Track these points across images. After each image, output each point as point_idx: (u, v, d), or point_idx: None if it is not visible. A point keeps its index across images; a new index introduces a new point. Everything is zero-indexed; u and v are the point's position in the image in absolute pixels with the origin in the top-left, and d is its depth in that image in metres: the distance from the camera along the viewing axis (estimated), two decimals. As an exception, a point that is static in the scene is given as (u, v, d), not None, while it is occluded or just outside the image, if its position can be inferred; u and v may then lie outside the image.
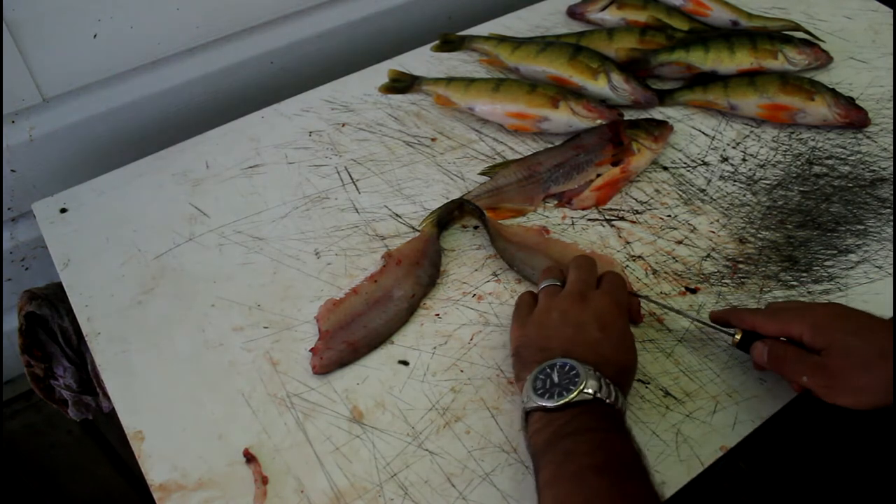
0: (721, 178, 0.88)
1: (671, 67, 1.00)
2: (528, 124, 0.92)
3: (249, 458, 0.63)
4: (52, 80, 0.89)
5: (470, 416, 0.66)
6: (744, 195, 0.86)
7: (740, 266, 0.79)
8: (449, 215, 0.81)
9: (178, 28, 0.96)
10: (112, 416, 0.69)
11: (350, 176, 0.88)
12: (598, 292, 0.65)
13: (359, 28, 1.13)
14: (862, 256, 0.79)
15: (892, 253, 0.80)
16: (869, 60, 1.04)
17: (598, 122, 0.91)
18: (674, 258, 0.79)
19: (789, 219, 0.83)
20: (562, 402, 0.56)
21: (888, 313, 0.72)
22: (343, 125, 0.95)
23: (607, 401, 0.56)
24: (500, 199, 0.84)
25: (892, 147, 0.91)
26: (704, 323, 0.70)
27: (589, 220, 0.84)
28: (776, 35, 1.01)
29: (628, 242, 0.81)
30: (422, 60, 1.04)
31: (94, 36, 0.89)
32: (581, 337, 0.61)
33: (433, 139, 0.93)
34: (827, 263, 0.79)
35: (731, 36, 1.00)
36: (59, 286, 0.79)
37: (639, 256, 0.80)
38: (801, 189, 0.87)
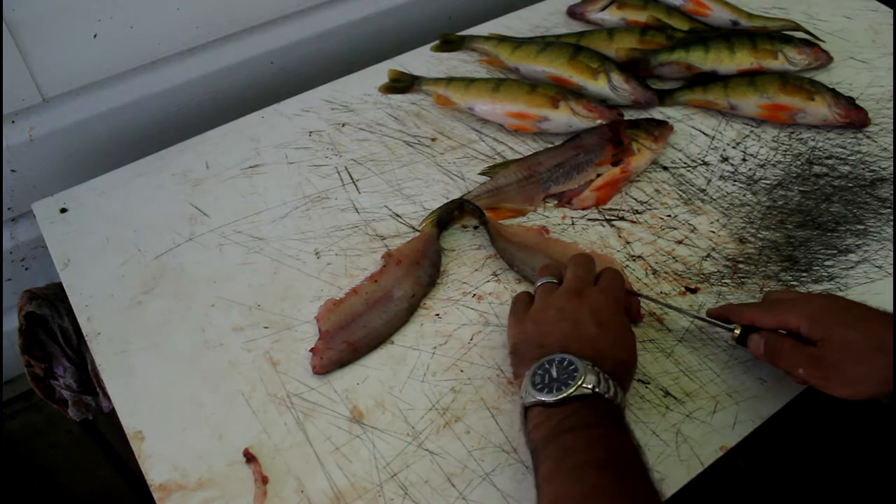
0: (721, 177, 0.88)
1: (671, 67, 1.00)
2: (528, 124, 0.92)
3: (249, 458, 0.63)
4: (52, 80, 0.89)
5: (470, 416, 0.66)
6: (744, 195, 0.86)
7: (740, 266, 0.79)
8: (449, 215, 0.81)
9: (178, 28, 0.96)
10: (112, 416, 0.69)
11: (350, 176, 0.88)
12: (595, 289, 0.65)
13: (359, 28, 1.13)
14: (862, 256, 0.79)
15: (892, 253, 0.80)
16: (869, 60, 1.04)
17: (598, 122, 0.91)
18: (674, 258, 0.79)
19: (789, 219, 0.83)
20: (561, 396, 0.56)
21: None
22: (343, 125, 0.95)
23: (606, 395, 0.57)
24: (500, 199, 0.84)
25: (892, 147, 0.91)
26: (703, 319, 0.70)
27: (589, 220, 0.84)
28: (776, 35, 1.01)
29: (628, 242, 0.81)
30: (422, 60, 1.04)
31: (94, 36, 0.89)
32: (578, 332, 0.61)
33: (433, 139, 0.93)
34: (827, 263, 0.79)
35: (731, 36, 1.00)
36: (59, 286, 0.79)
37: (639, 256, 0.80)
38: (802, 189, 0.87)
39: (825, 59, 1.01)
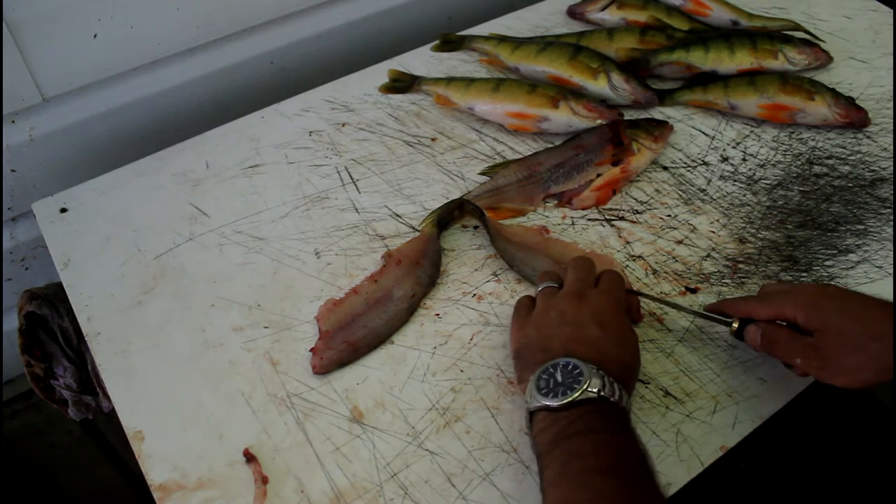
0: (721, 177, 0.88)
1: (671, 67, 1.00)
2: (528, 124, 0.92)
3: (249, 458, 0.63)
4: (52, 80, 0.89)
5: (470, 416, 0.66)
6: (744, 195, 0.86)
7: (740, 266, 0.79)
8: (449, 215, 0.81)
9: (178, 28, 0.96)
10: (112, 416, 0.69)
11: (350, 176, 0.88)
12: (596, 291, 0.65)
13: (359, 28, 1.13)
14: (862, 256, 0.79)
15: (892, 253, 0.80)
16: (869, 60, 1.04)
17: (598, 122, 0.91)
18: (674, 258, 0.79)
19: (789, 219, 0.83)
20: (566, 400, 0.56)
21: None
22: (343, 125, 0.95)
23: (611, 399, 0.56)
24: (500, 199, 0.84)
25: (892, 147, 0.91)
26: (701, 315, 0.70)
27: (589, 220, 0.84)
28: (776, 35, 1.01)
29: (628, 242, 0.81)
30: (422, 60, 1.04)
31: (94, 36, 0.89)
32: (581, 335, 0.61)
33: (433, 139, 0.93)
34: (827, 263, 0.79)
35: (731, 36, 1.00)
36: (59, 286, 0.79)
37: (639, 256, 0.80)
38: (802, 189, 0.87)
39: (825, 59, 1.01)
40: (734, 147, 0.92)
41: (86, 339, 0.73)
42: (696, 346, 0.72)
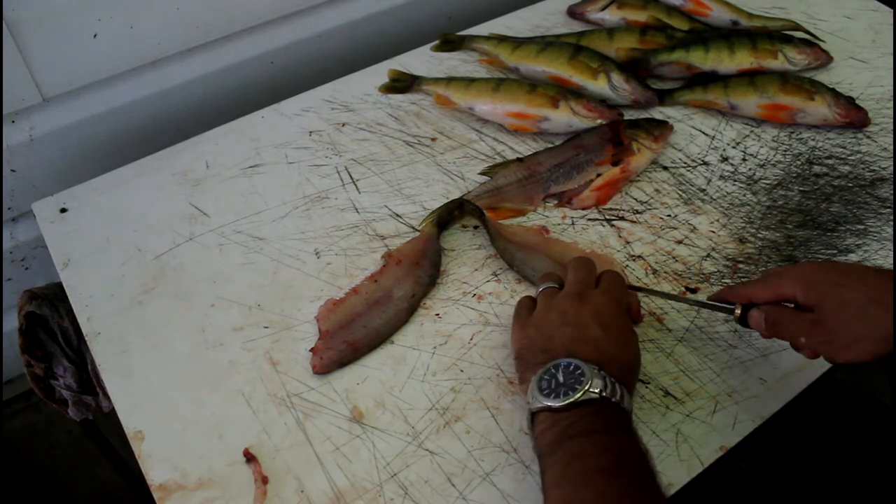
0: (721, 177, 0.88)
1: (671, 67, 1.00)
2: (528, 124, 0.92)
3: (249, 458, 0.63)
4: (52, 80, 0.89)
5: (470, 416, 0.66)
6: (744, 195, 0.86)
7: (740, 266, 0.79)
8: (449, 215, 0.81)
9: (178, 28, 0.96)
10: (112, 416, 0.69)
11: (350, 176, 0.88)
12: (597, 291, 0.65)
13: (359, 28, 1.13)
14: (862, 256, 0.79)
15: (892, 253, 0.80)
16: (869, 60, 1.04)
17: (598, 121, 0.91)
18: (674, 258, 0.79)
19: (789, 218, 0.83)
20: (568, 401, 0.56)
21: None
22: (343, 125, 0.95)
23: (613, 399, 0.56)
24: (500, 198, 0.84)
25: (892, 147, 0.91)
26: (704, 304, 0.69)
27: (589, 219, 0.84)
28: (776, 35, 1.01)
29: (628, 242, 0.81)
30: (422, 60, 1.04)
31: (94, 36, 0.89)
32: (582, 336, 0.61)
33: (433, 139, 0.93)
34: (827, 263, 0.79)
35: (731, 36, 1.00)
36: (59, 286, 0.79)
37: (639, 256, 0.80)
38: (801, 189, 0.87)
39: (825, 59, 1.01)
40: (734, 147, 0.92)
41: (86, 339, 0.73)
42: (696, 346, 0.72)
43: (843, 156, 0.91)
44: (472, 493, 0.61)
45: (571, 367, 0.58)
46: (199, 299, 0.76)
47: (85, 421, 0.86)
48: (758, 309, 0.64)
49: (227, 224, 0.83)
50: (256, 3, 1.00)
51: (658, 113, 0.96)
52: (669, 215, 0.84)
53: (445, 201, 0.83)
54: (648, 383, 0.69)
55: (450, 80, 0.96)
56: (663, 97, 0.97)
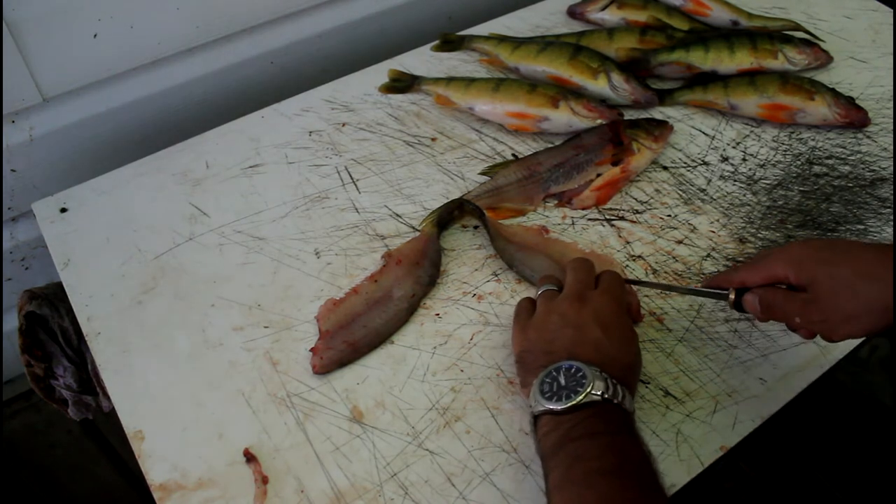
0: (721, 177, 0.88)
1: (671, 67, 1.00)
2: (528, 124, 0.92)
3: (249, 457, 0.63)
4: (52, 80, 0.89)
5: (470, 416, 0.66)
6: (744, 195, 0.86)
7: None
8: (449, 215, 0.81)
9: (178, 28, 0.96)
10: (112, 416, 0.69)
11: (350, 176, 0.88)
12: (597, 292, 0.65)
13: (359, 28, 1.13)
14: (862, 256, 0.79)
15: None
16: (869, 60, 1.04)
17: (598, 121, 0.91)
18: (674, 258, 0.79)
19: (789, 219, 0.83)
20: (570, 404, 0.56)
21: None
22: (343, 125, 0.95)
23: (615, 401, 0.56)
24: (500, 198, 0.84)
25: (892, 147, 0.91)
26: (697, 291, 0.69)
27: (589, 219, 0.84)
28: (776, 35, 1.01)
29: (628, 242, 0.81)
30: (422, 60, 1.04)
31: (94, 36, 0.89)
32: (583, 337, 0.61)
33: (433, 139, 0.93)
34: (827, 263, 0.79)
35: (731, 36, 1.00)
36: (59, 286, 0.79)
37: (639, 256, 0.80)
38: (802, 189, 0.87)
39: (825, 59, 1.01)
40: (734, 147, 0.92)
41: (86, 339, 0.73)
42: (696, 345, 0.72)
43: (843, 156, 0.91)
44: (472, 493, 0.61)
45: (573, 370, 0.58)
46: (199, 299, 0.76)
47: (85, 421, 0.86)
48: (751, 292, 0.64)
49: (227, 224, 0.83)
50: (256, 3, 1.00)
51: (658, 113, 0.96)
52: (669, 215, 0.84)
53: (445, 201, 0.83)
54: (648, 383, 0.69)
55: (450, 80, 0.96)
56: (663, 97, 0.97)
